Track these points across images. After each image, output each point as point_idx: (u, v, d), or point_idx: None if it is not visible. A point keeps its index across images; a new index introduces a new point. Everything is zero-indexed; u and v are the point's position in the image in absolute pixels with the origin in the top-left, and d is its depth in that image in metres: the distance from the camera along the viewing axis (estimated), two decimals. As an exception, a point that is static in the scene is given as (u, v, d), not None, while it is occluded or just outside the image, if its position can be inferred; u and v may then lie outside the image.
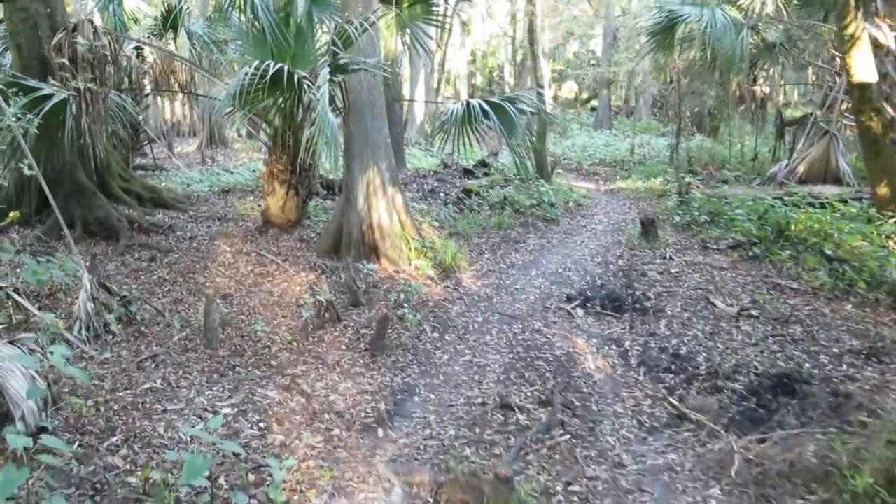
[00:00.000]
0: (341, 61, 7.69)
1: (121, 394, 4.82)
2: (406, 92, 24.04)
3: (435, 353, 6.10)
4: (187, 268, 8.08)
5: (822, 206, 10.01)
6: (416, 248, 8.61)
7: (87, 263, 7.36)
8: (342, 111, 8.74)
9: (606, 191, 15.68)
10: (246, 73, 6.74)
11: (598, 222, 11.99)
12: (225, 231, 9.77)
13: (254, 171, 15.36)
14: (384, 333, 5.89)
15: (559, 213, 12.14)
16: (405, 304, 6.95)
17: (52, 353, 3.77)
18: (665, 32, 12.40)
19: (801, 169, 11.56)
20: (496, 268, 8.95)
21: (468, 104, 9.28)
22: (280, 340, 6.16)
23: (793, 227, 9.03)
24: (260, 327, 6.23)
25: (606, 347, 6.33)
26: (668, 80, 27.81)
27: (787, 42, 14.68)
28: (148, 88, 12.28)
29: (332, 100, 9.09)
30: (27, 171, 5.38)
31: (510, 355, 6.09)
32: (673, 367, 5.82)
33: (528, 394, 5.29)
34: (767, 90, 15.28)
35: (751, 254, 8.82)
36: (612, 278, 8.49)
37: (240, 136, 24.48)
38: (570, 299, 7.78)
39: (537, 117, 12.17)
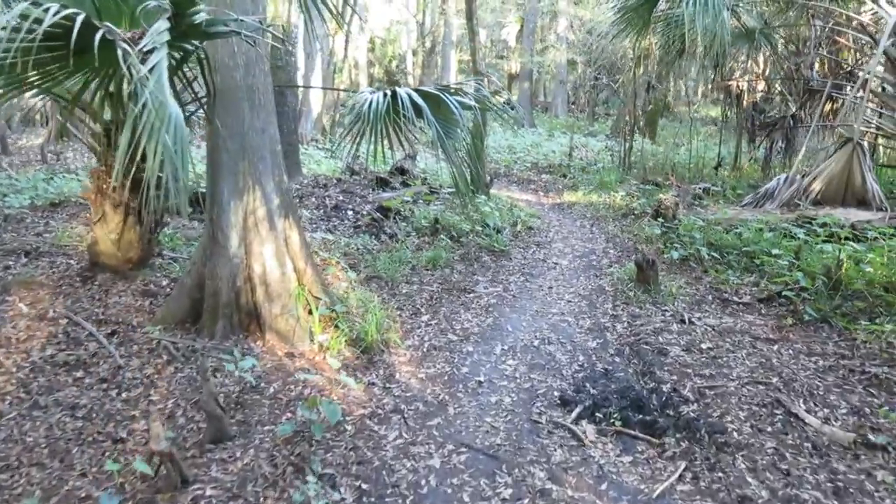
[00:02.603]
0: (196, 18, 4.75)
1: None
2: (299, 80, 20.93)
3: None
4: (-63, 356, 4.99)
5: (856, 238, 7.85)
6: (321, 315, 5.77)
7: None
8: (203, 100, 5.83)
9: (553, 206, 13.19)
10: (3, 28, 3.71)
11: (561, 254, 9.44)
12: (28, 278, 6.61)
13: (98, 176, 12.02)
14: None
15: (508, 242, 9.51)
16: (311, 454, 4.11)
17: None
18: (641, 8, 10.02)
19: (816, 187, 9.38)
20: (443, 341, 6.20)
21: (394, 94, 6.59)
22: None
23: (853, 273, 6.74)
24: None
25: (672, 531, 3.71)
26: (597, 74, 25.82)
27: (765, 27, 12.66)
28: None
29: (188, 83, 6.22)
30: None
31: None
32: (814, 588, 3.25)
33: None
34: (745, 85, 13.20)
35: (806, 316, 6.44)
36: (616, 358, 5.92)
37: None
38: (565, 402, 5.14)
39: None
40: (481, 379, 5.50)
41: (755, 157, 14.12)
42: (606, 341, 6.26)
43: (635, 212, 11.44)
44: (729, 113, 14.43)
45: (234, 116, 5.65)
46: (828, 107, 13.23)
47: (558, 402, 5.16)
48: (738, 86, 13.10)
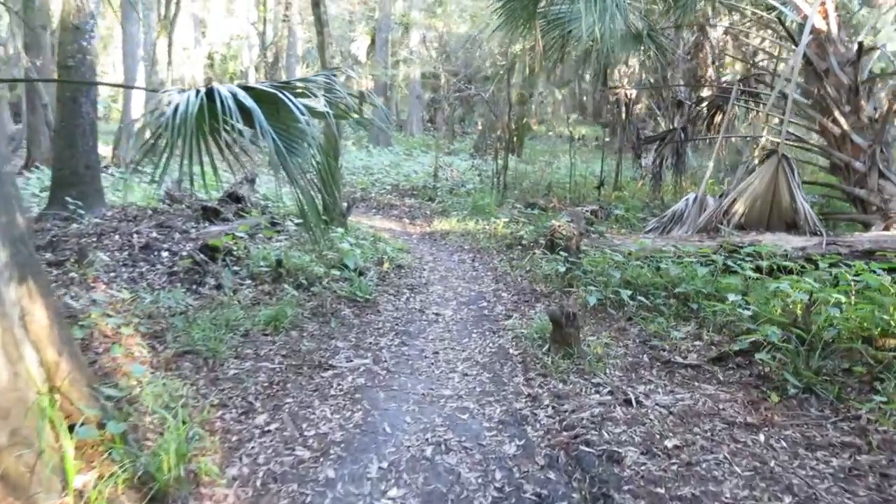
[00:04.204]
0: None
1: None
2: (113, 94, 18.07)
3: None
4: None
5: (797, 270, 6.51)
6: (83, 439, 3.59)
7: None
8: None
9: (423, 235, 11.37)
10: None
11: (442, 301, 7.58)
12: None
13: None
14: None
15: (374, 288, 7.55)
16: None
17: None
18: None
19: (738, 208, 8.03)
20: (288, 462, 4.11)
21: (210, 93, 4.56)
22: None
23: (826, 322, 5.26)
24: None
25: None
26: (462, 85, 24.41)
27: (652, 30, 11.51)
28: None
29: None
30: None
31: None
32: None
33: None
34: (633, 93, 11.93)
35: (790, 390, 4.86)
36: (550, 473, 4.06)
37: None
38: (490, 571, 3.25)
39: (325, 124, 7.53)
40: (351, 535, 3.49)
41: (648, 174, 12.89)
42: (529, 442, 4.41)
43: (524, 242, 9.79)
44: (612, 127, 13.19)
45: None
46: (717, 118, 12.27)
47: (477, 571, 3.26)
48: (626, 94, 11.84)
